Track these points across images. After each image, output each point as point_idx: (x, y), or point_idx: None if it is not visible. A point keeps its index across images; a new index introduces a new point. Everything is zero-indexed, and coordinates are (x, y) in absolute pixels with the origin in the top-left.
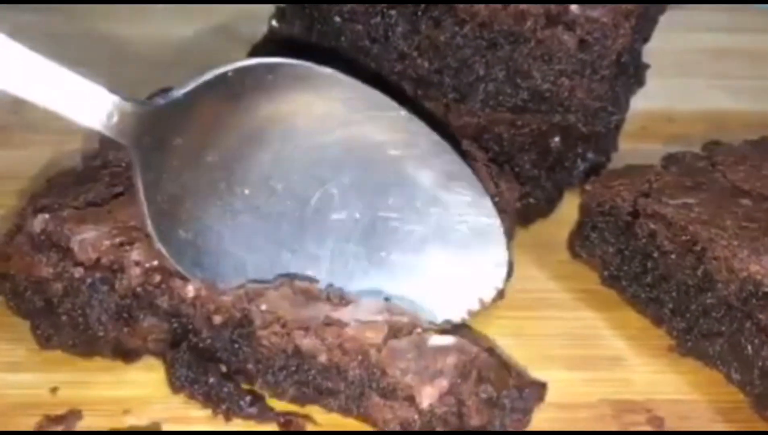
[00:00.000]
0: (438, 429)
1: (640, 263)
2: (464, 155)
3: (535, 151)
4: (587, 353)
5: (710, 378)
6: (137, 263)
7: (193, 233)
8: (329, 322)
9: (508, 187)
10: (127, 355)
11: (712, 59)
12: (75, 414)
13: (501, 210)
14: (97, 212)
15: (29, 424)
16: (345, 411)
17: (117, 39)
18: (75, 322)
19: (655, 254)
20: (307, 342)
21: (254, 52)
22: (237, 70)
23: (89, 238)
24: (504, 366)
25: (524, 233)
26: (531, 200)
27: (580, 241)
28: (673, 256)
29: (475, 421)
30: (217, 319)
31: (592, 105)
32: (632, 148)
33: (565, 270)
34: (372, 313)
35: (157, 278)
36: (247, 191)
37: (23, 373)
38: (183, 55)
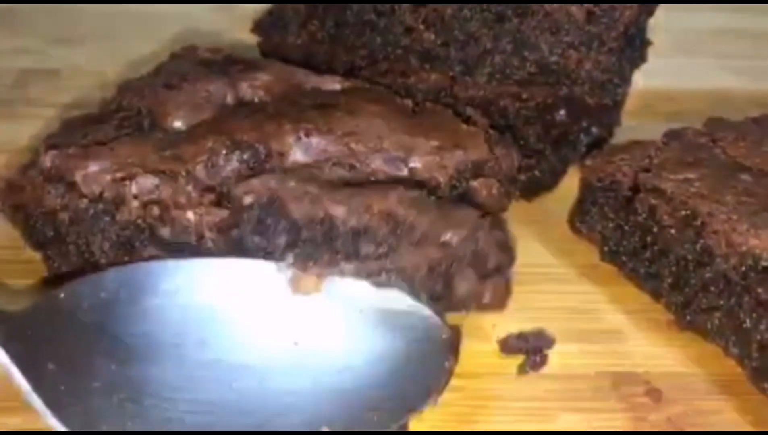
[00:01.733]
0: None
1: (640, 238)
2: (467, 121)
3: (541, 125)
4: (587, 327)
5: (708, 351)
6: (136, 197)
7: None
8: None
9: (505, 153)
10: None
11: (715, 39)
12: None
13: (493, 175)
14: (101, 150)
15: None
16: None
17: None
18: (80, 250)
19: (655, 229)
20: (337, 208)
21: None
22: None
23: (92, 173)
24: None
25: (528, 207)
26: (536, 173)
27: (580, 217)
28: (672, 231)
29: (491, 263)
30: (247, 200)
31: (600, 77)
32: (634, 125)
33: (565, 245)
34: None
35: (156, 211)
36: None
37: None
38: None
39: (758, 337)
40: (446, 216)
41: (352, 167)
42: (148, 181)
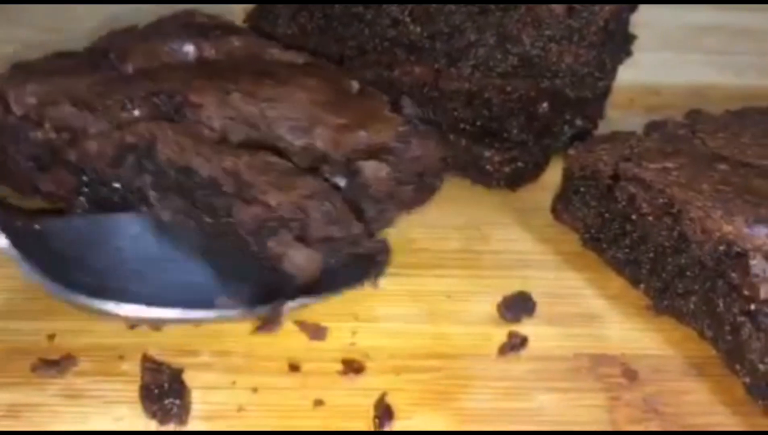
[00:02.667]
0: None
1: (620, 226)
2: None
3: (524, 117)
4: (566, 310)
5: (684, 335)
6: (51, 120)
7: None
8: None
9: (422, 145)
10: (44, 196)
11: (700, 34)
12: (70, 359)
13: (397, 162)
14: (41, 77)
15: (24, 368)
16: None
17: None
18: (2, 161)
19: (634, 217)
20: (195, 160)
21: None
22: None
23: (21, 95)
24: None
25: (511, 196)
26: (519, 164)
27: (562, 205)
28: (650, 219)
29: (315, 233)
30: (130, 139)
31: (580, 70)
32: (618, 118)
33: (549, 233)
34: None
35: (66, 136)
36: None
37: (21, 321)
38: None
39: (731, 320)
40: (282, 180)
41: (257, 129)
42: (65, 109)
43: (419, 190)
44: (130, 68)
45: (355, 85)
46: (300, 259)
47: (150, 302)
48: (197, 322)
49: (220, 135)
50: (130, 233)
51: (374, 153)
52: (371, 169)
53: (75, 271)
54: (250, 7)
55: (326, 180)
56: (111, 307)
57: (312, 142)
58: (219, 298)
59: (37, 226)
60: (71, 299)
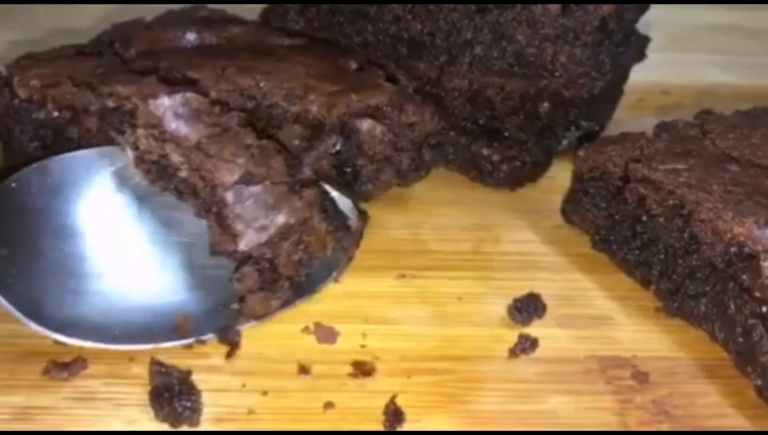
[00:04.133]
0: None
1: (630, 227)
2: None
3: (524, 116)
4: (577, 312)
5: (695, 337)
6: (53, 100)
7: None
8: (200, 148)
9: (417, 112)
10: None
11: (710, 34)
12: (80, 362)
13: (391, 125)
14: (45, 63)
15: (36, 371)
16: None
17: None
18: (9, 144)
19: (644, 218)
20: (175, 156)
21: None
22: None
23: (25, 78)
24: (327, 234)
25: (515, 198)
26: (518, 163)
27: (572, 206)
28: (661, 220)
29: (283, 271)
30: (110, 103)
31: (575, 70)
32: (628, 118)
33: (558, 235)
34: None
35: (68, 115)
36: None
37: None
38: None
39: (742, 322)
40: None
41: (253, 99)
42: (67, 89)
43: (417, 161)
44: (133, 52)
45: (353, 63)
46: (255, 306)
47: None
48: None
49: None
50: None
51: (368, 114)
52: (366, 126)
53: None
54: (263, 7)
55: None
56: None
57: (306, 107)
58: (177, 315)
59: (13, 184)
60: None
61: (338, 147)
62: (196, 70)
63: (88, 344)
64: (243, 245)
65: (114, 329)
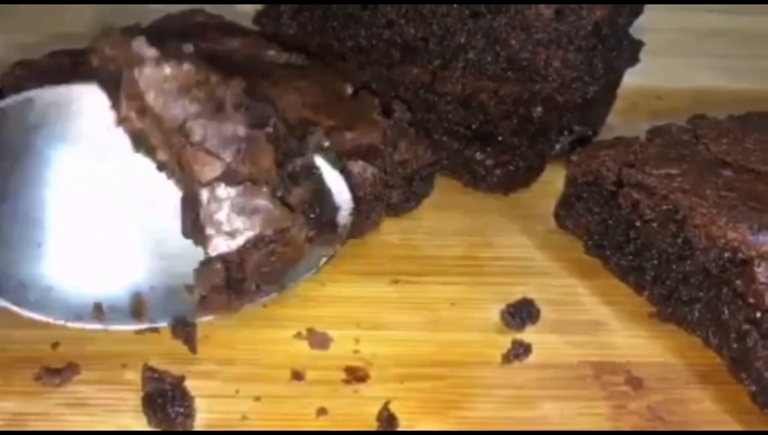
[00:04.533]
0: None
1: (623, 232)
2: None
3: (518, 120)
4: (570, 318)
5: (689, 342)
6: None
7: None
8: (183, 133)
9: (409, 148)
10: None
11: (704, 39)
12: (72, 368)
13: (384, 164)
14: (42, 76)
15: (28, 376)
16: None
17: None
18: None
19: (638, 223)
20: (154, 137)
21: None
22: None
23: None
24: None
25: (508, 203)
26: (511, 168)
27: (565, 211)
28: (654, 225)
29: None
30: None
31: (568, 74)
32: (621, 123)
33: (551, 240)
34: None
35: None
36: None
37: (26, 329)
38: None
39: (736, 327)
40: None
41: None
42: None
43: (407, 194)
44: None
45: (348, 88)
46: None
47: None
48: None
49: None
50: None
51: (361, 154)
52: (357, 169)
53: None
54: (260, 7)
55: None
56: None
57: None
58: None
59: None
60: None
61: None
62: None
63: (36, 316)
64: (210, 249)
65: (64, 300)
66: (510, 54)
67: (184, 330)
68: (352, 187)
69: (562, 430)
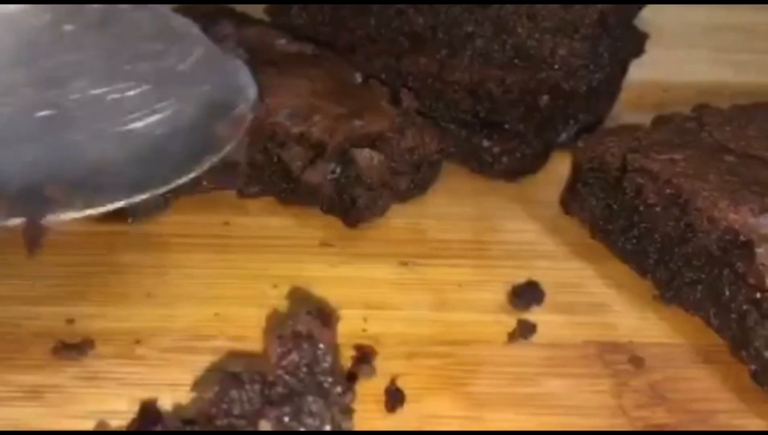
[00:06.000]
0: None
1: (628, 217)
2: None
3: (525, 108)
4: (574, 299)
5: (692, 324)
6: None
7: None
8: None
9: (417, 136)
10: None
11: (709, 32)
12: (88, 342)
13: (392, 151)
14: None
15: (45, 351)
16: None
17: None
18: None
19: (642, 208)
20: None
21: None
22: None
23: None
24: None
25: (514, 189)
26: (518, 156)
27: (571, 197)
28: (658, 209)
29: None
30: None
31: (574, 62)
32: (627, 114)
33: (557, 224)
34: None
35: None
36: None
37: (42, 307)
38: None
39: (736, 308)
40: None
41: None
42: None
43: (415, 181)
44: None
45: (358, 77)
46: None
47: None
48: None
49: None
50: None
51: (370, 141)
52: (364, 156)
53: None
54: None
55: None
56: None
57: (309, 129)
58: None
59: None
60: None
61: (336, 173)
62: None
63: None
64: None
65: None
66: (517, 42)
67: (33, 230)
68: (358, 175)
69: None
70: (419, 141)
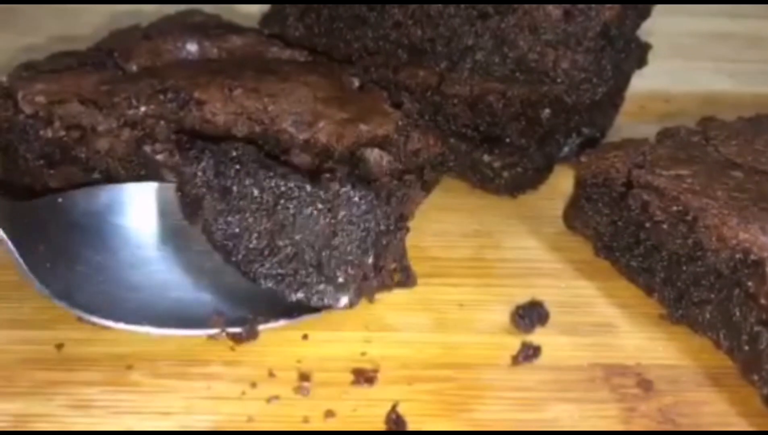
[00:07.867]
0: None
1: (633, 234)
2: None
3: (526, 122)
4: (580, 320)
5: (700, 345)
6: (61, 118)
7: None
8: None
9: (422, 139)
10: (54, 193)
11: (712, 43)
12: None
13: (397, 153)
14: (49, 76)
15: (33, 377)
16: None
17: None
18: (12, 158)
19: (648, 224)
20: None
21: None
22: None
23: (30, 93)
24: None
25: (516, 205)
26: (519, 170)
27: (574, 213)
28: (665, 226)
29: None
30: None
31: (576, 76)
32: (629, 126)
33: (560, 241)
34: None
35: (76, 134)
36: None
37: (30, 330)
38: None
39: (747, 329)
40: None
41: (260, 123)
42: (74, 107)
43: (419, 183)
44: (134, 67)
45: (355, 81)
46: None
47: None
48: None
49: (224, 130)
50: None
51: (376, 145)
52: (374, 156)
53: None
54: (265, 8)
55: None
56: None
57: (315, 135)
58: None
59: (60, 199)
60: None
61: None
62: (203, 90)
63: (125, 327)
64: None
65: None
66: (518, 55)
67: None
68: (367, 175)
69: (573, 431)
70: (424, 143)
